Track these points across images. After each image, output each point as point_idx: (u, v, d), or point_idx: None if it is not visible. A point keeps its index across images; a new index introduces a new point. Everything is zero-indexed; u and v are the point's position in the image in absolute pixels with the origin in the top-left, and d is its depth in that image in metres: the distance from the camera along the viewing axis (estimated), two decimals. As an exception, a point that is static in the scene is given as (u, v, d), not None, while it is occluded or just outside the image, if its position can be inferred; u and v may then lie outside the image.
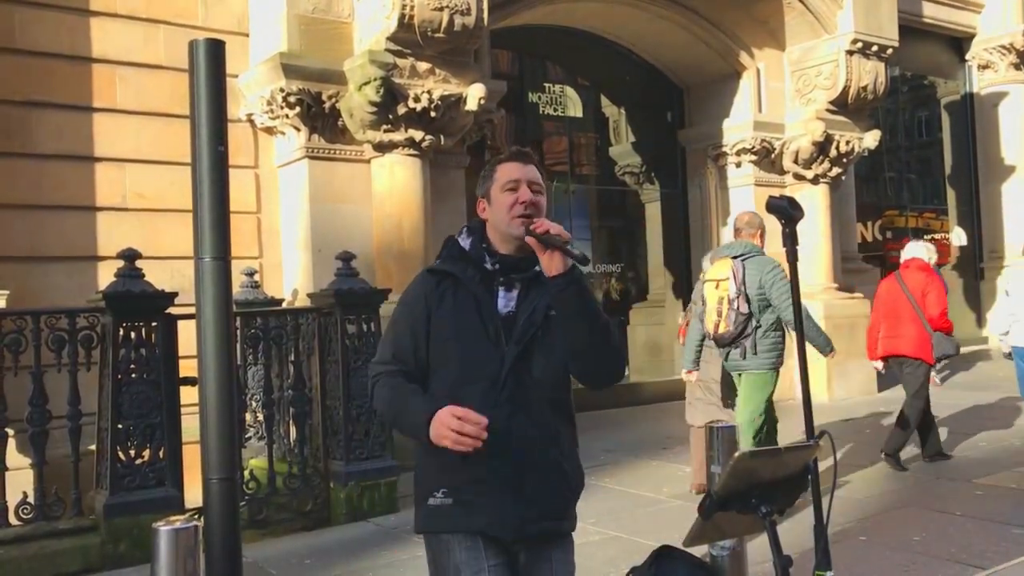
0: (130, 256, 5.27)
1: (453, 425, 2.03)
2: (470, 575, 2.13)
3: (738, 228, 5.75)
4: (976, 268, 15.06)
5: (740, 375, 5.70)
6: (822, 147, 10.26)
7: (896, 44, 10.40)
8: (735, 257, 5.54)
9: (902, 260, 7.17)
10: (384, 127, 7.28)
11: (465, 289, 2.20)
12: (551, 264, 2.07)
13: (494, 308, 2.20)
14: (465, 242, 2.28)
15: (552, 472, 2.23)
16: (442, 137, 7.57)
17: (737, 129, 10.44)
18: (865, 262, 12.72)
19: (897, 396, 10.12)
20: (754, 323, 5.51)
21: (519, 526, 2.17)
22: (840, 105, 10.26)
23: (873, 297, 11.27)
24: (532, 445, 2.19)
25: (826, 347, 5.87)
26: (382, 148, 7.41)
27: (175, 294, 5.35)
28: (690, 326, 6.21)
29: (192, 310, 2.29)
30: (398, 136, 7.33)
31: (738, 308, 5.42)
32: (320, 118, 7.40)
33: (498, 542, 2.18)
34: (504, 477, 2.15)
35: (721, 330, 5.53)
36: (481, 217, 2.31)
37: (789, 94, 10.59)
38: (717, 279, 5.59)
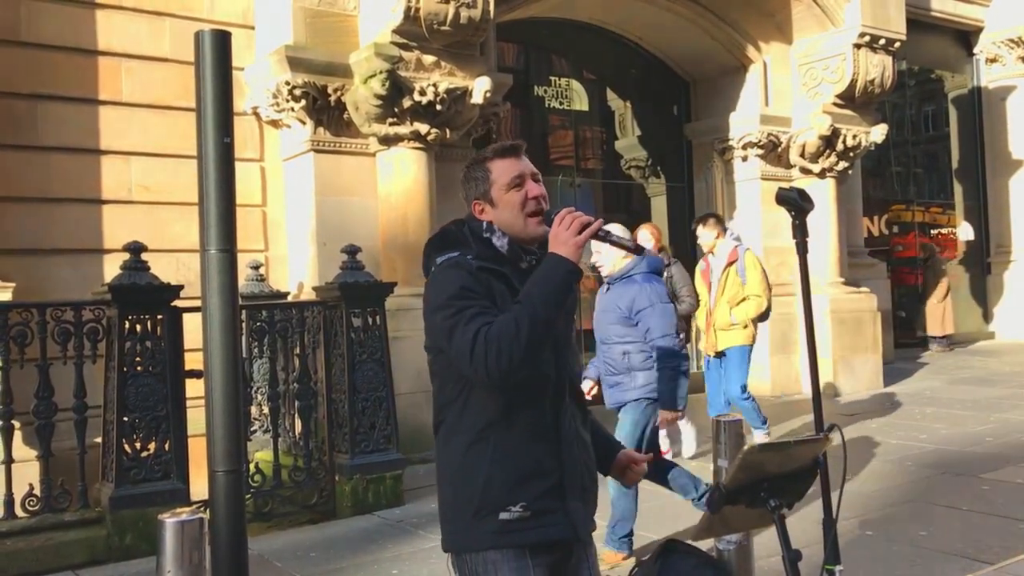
0: (136, 249, 5.26)
1: (568, 219, 2.01)
2: None
3: None
4: (983, 263, 15.03)
5: None
6: (829, 141, 10.22)
7: (904, 38, 10.35)
8: None
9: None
10: (390, 120, 7.27)
11: (512, 289, 2.10)
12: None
13: None
14: (500, 241, 2.16)
15: (595, 466, 2.28)
16: (448, 130, 7.55)
17: (743, 123, 10.40)
18: (871, 256, 12.71)
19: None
20: None
21: (588, 525, 2.19)
22: (847, 99, 10.22)
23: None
24: (586, 444, 2.23)
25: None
26: (388, 141, 7.40)
27: (181, 287, 5.35)
28: None
29: (198, 303, 2.28)
30: (404, 129, 7.31)
31: None
32: (326, 111, 7.39)
33: (548, 554, 2.12)
34: (576, 478, 2.15)
35: None
36: (479, 219, 2.20)
37: (796, 88, 10.55)
38: None
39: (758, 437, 6.72)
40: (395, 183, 7.45)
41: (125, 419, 5.04)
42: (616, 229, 4.09)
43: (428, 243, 2.26)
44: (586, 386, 4.84)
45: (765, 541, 3.32)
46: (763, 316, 6.95)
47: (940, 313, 13.40)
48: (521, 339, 1.94)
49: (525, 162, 2.19)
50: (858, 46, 9.98)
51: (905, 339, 13.66)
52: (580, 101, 11.20)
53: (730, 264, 6.89)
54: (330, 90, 7.29)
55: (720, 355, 6.96)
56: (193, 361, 4.33)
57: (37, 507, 4.97)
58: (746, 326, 6.82)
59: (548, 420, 2.11)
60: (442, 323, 2.05)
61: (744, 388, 6.87)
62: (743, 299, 6.80)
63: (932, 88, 15.60)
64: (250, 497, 5.48)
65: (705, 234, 7.03)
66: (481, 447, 2.09)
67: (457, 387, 2.12)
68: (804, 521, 3.28)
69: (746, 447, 1.97)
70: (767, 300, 6.86)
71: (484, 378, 1.98)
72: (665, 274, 6.80)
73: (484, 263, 2.11)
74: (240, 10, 7.74)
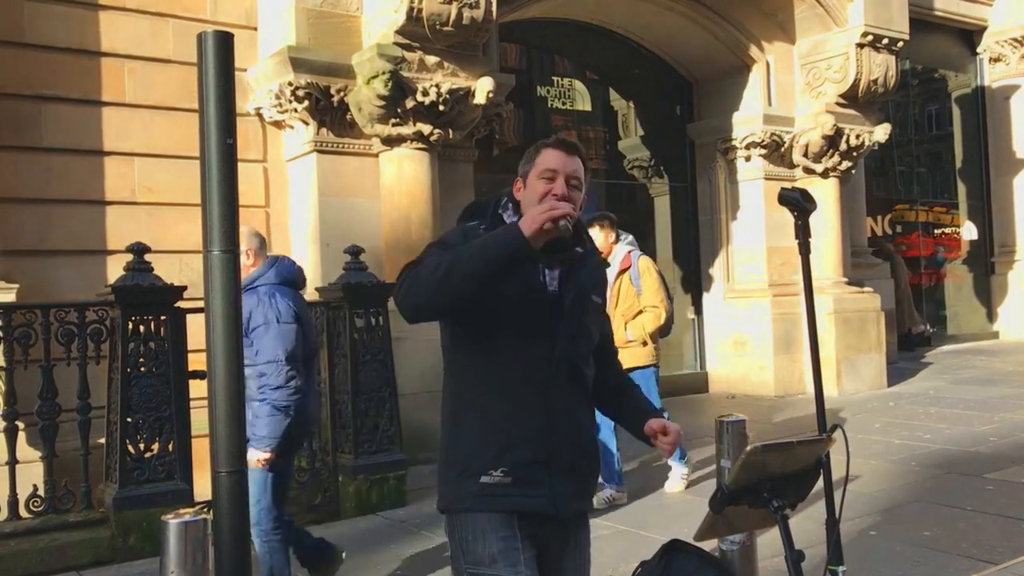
0: (139, 250, 5.27)
1: (545, 205, 2.02)
2: (506, 566, 2.11)
3: None
4: (987, 262, 15.01)
5: None
6: (832, 141, 10.21)
7: (907, 37, 10.34)
8: None
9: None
10: (392, 121, 7.27)
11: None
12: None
13: (542, 284, 2.20)
14: (511, 219, 2.21)
15: (594, 451, 2.34)
16: (451, 131, 7.55)
17: (746, 123, 10.40)
18: (875, 256, 12.69)
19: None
20: None
21: (572, 504, 2.23)
22: (850, 98, 10.21)
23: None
24: (583, 424, 2.28)
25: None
26: (390, 142, 7.40)
27: (184, 287, 5.36)
28: None
29: (201, 303, 2.28)
30: (406, 130, 7.31)
31: None
32: (329, 112, 7.39)
33: (533, 528, 2.17)
34: (564, 457, 2.19)
35: None
36: (515, 196, 2.28)
37: (799, 87, 10.54)
38: None
39: (606, 492, 5.72)
40: (398, 184, 7.45)
41: (129, 420, 5.05)
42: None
43: (462, 211, 2.38)
44: None
45: (768, 541, 3.32)
46: (664, 330, 6.07)
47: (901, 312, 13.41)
48: (434, 279, 2.00)
49: (571, 162, 2.21)
50: (861, 45, 9.97)
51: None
52: (583, 101, 11.20)
53: (623, 271, 5.97)
54: (333, 91, 7.29)
55: None
56: (196, 362, 4.34)
57: (41, 508, 4.98)
58: (645, 343, 5.89)
59: (538, 395, 2.16)
60: None
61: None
62: (639, 311, 5.94)
63: (935, 87, 15.59)
64: (253, 498, 5.48)
65: (597, 237, 5.83)
66: (470, 413, 2.18)
67: (450, 355, 2.26)
68: (807, 521, 3.28)
69: (749, 447, 1.97)
70: (666, 310, 5.96)
71: (398, 307, 2.10)
72: None
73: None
74: (243, 11, 7.75)
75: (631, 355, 5.69)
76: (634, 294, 5.96)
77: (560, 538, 2.24)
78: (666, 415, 2.35)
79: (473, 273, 1.98)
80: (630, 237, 6.30)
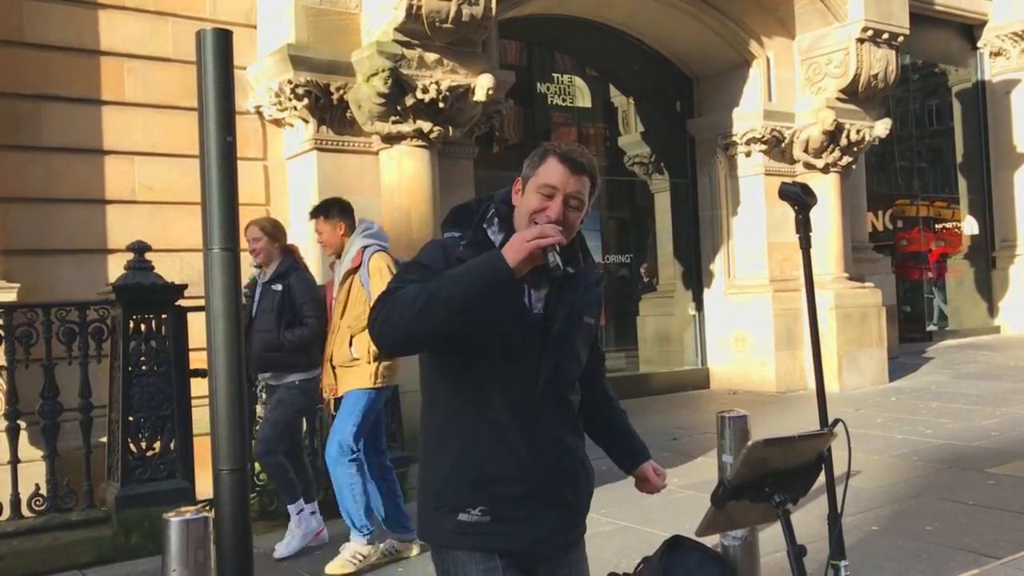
0: (140, 248, 5.28)
1: (533, 232, 1.85)
2: None
3: None
4: (988, 257, 15.01)
5: None
6: (832, 136, 10.21)
7: (907, 32, 10.34)
8: None
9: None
10: (392, 118, 7.26)
11: None
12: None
13: (525, 307, 2.05)
14: (496, 237, 2.08)
15: (585, 478, 2.18)
16: (451, 128, 7.54)
17: (747, 118, 10.39)
18: (876, 251, 12.69)
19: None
20: None
21: (555, 539, 2.11)
22: (850, 94, 10.21)
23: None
24: (571, 454, 2.14)
25: None
26: (390, 139, 7.40)
27: (185, 286, 5.36)
28: None
29: (202, 302, 2.29)
30: (406, 127, 7.31)
31: None
32: (328, 110, 7.39)
33: (518, 557, 2.07)
34: (549, 492, 2.07)
35: None
36: (513, 200, 2.11)
37: (799, 83, 10.53)
38: None
39: (351, 544, 4.81)
40: (398, 181, 7.45)
41: (130, 419, 5.06)
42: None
43: (448, 212, 2.22)
44: None
45: (770, 537, 3.33)
46: None
47: None
48: (412, 311, 1.84)
49: (575, 182, 2.01)
50: (861, 40, 9.96)
51: (911, 334, 13.67)
52: (583, 98, 11.20)
53: (352, 271, 4.72)
54: (332, 89, 7.29)
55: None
56: (198, 360, 4.34)
57: (43, 507, 4.99)
58: (371, 362, 4.61)
59: (522, 426, 2.03)
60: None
61: (348, 447, 4.64)
62: None
63: (936, 82, 15.58)
64: (255, 496, 5.49)
65: (325, 230, 4.87)
66: (448, 443, 2.06)
67: (428, 379, 2.13)
68: (809, 516, 3.29)
69: (750, 442, 1.97)
70: None
71: (374, 340, 1.96)
72: (278, 286, 4.92)
73: (464, 257, 2.01)
74: (243, 10, 7.74)
75: (353, 376, 4.67)
76: (364, 300, 4.61)
77: (550, 559, 2.13)
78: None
79: (453, 306, 1.83)
80: (374, 227, 4.95)
